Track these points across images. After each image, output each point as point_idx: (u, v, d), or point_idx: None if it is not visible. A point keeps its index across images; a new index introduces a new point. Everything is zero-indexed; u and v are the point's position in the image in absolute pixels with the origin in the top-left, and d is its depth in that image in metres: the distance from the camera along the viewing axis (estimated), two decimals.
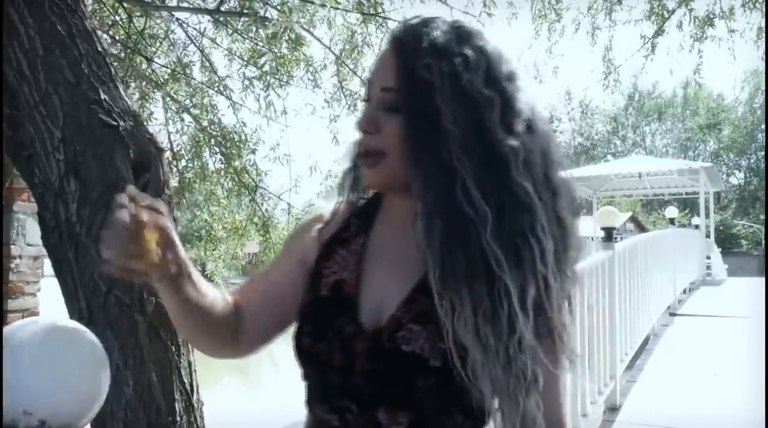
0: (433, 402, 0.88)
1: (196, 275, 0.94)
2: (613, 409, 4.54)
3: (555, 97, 47.25)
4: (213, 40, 4.86)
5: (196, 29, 4.66)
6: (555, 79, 6.88)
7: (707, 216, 17.86)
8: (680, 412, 4.32)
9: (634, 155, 33.13)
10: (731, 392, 4.69)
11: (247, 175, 5.28)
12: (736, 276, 16.28)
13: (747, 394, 4.30)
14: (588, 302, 3.94)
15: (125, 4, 3.93)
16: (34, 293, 5.69)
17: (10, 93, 1.91)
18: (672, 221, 14.05)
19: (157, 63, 4.61)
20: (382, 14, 4.10)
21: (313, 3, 3.80)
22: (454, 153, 0.84)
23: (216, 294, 1.00)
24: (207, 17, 4.51)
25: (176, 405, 1.83)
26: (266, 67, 4.41)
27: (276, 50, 4.00)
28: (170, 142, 5.18)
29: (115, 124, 1.82)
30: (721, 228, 33.65)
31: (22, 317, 5.54)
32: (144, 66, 4.60)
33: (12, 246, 5.58)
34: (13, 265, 5.47)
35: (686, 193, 20.44)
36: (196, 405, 1.93)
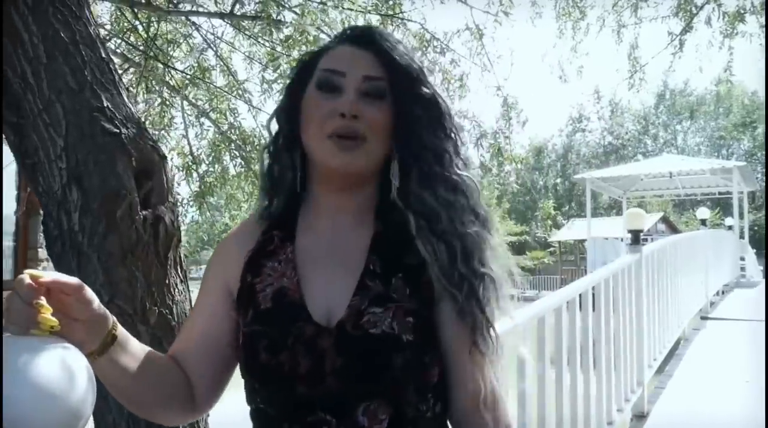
0: (410, 381, 0.92)
1: (132, 340, 0.94)
2: (640, 417, 4.45)
3: (582, 97, 46.80)
4: (231, 44, 4.87)
5: (213, 34, 4.68)
6: (580, 78, 6.80)
7: (741, 216, 17.50)
8: (710, 420, 4.19)
9: (665, 154, 32.57)
10: (764, 399, 4.53)
11: None
12: None
13: None
14: (613, 306, 3.86)
15: (143, 11, 3.94)
16: None
17: (16, 101, 1.90)
18: (704, 222, 13.76)
19: (175, 69, 4.63)
20: (401, 15, 4.06)
21: (325, 5, 3.77)
22: (438, 133, 1.01)
23: (154, 356, 0.98)
24: (225, 21, 4.51)
25: None
26: (284, 70, 4.39)
27: (293, 53, 3.99)
28: (190, 146, 5.20)
29: (118, 131, 1.80)
30: (756, 228, 32.88)
31: None
32: (162, 71, 4.62)
33: (39, 250, 5.68)
34: (40, 268, 5.59)
35: (719, 193, 20.05)
36: (202, 416, 1.90)
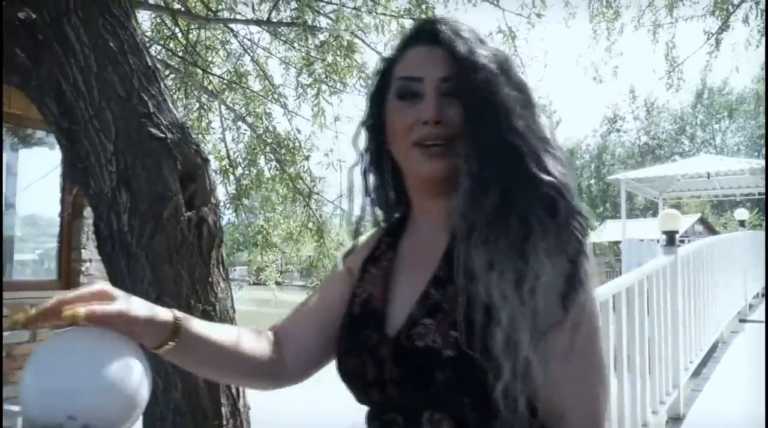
0: (464, 396, 0.87)
1: (197, 328, 0.93)
2: (676, 419, 4.40)
3: (617, 97, 46.13)
4: (267, 50, 4.97)
5: (250, 40, 4.78)
6: (615, 78, 6.74)
7: None
8: (747, 424, 4.13)
9: (702, 154, 31.89)
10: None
11: (301, 181, 5.36)
12: None
13: None
14: (648, 307, 3.84)
15: (183, 18, 4.06)
16: None
17: (69, 108, 2.00)
18: (742, 223, 13.44)
19: (213, 74, 4.74)
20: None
21: (367, 12, 3.83)
22: (513, 130, 0.90)
23: (233, 335, 0.99)
24: (262, 28, 4.61)
25: (222, 409, 1.88)
26: (315, 73, 4.47)
27: (327, 58, 4.06)
28: (227, 150, 5.32)
29: (164, 136, 1.89)
30: None
31: None
32: (201, 76, 4.73)
33: (82, 251, 5.85)
34: (83, 269, 5.74)
35: (759, 194, 19.54)
36: (242, 409, 1.98)
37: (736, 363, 6.13)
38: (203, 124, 5.02)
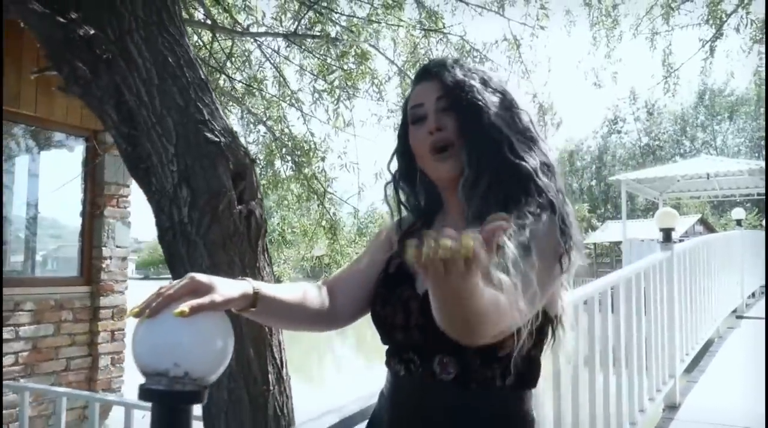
0: (473, 348, 1.07)
1: (271, 293, 1.12)
2: (672, 407, 4.59)
3: (618, 101, 46.33)
4: (286, 57, 5.24)
5: (271, 48, 5.05)
6: (615, 84, 6.99)
7: None
8: (741, 412, 4.32)
9: (702, 155, 32.07)
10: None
11: (316, 181, 5.63)
12: None
13: None
14: (645, 300, 4.02)
15: (221, 34, 4.30)
16: (123, 291, 6.18)
17: (129, 115, 2.28)
18: (739, 222, 13.62)
19: (237, 80, 5.00)
20: (443, 30, 4.36)
21: (378, 23, 4.10)
22: (495, 127, 1.17)
23: (299, 292, 1.24)
24: (290, 40, 4.87)
25: (269, 376, 2.15)
26: (335, 81, 4.74)
27: (344, 66, 4.32)
28: (248, 152, 5.56)
29: (218, 140, 2.16)
30: None
31: (112, 314, 6.03)
32: (222, 83, 5.00)
33: (103, 248, 6.09)
34: (104, 265, 5.98)
35: (757, 194, 19.72)
36: (285, 377, 2.25)
37: (731, 357, 6.29)
38: None
